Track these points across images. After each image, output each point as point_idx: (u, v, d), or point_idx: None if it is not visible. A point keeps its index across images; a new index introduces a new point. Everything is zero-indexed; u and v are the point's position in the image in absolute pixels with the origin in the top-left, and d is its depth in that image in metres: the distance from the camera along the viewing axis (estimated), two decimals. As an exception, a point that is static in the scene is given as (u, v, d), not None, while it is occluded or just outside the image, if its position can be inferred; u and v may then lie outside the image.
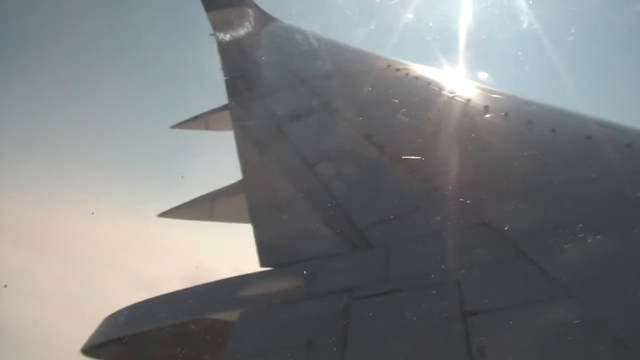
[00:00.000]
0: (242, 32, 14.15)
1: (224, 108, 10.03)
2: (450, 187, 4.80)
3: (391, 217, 4.64)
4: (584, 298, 2.97)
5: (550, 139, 5.31)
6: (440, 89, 7.35)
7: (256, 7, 14.91)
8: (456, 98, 6.86)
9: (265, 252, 4.71)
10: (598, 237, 3.57)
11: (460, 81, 7.97)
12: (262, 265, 4.49)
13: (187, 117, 10.74)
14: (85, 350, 4.34)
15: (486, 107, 6.24)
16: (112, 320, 4.54)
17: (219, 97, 10.37)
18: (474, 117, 6.21)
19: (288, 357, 3.27)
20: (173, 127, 10.81)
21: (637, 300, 2.98)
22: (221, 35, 13.90)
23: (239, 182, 6.79)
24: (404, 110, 7.16)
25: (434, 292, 3.45)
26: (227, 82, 10.86)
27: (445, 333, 3.02)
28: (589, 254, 3.46)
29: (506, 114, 6.01)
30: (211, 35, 14.13)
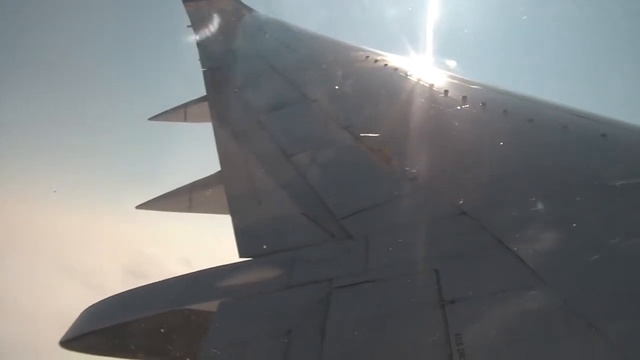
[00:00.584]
0: (219, 23, 14.11)
1: (202, 99, 9.99)
2: (428, 177, 4.83)
3: (369, 207, 4.65)
4: (561, 287, 3.00)
5: (527, 129, 5.35)
6: (419, 80, 7.38)
7: (234, -2, 14.87)
8: (434, 89, 6.89)
9: (244, 242, 4.70)
10: (575, 225, 3.61)
11: (438, 72, 8.01)
12: (241, 255, 4.49)
13: (166, 108, 10.71)
14: (64, 342, 4.33)
15: (464, 98, 6.27)
16: (91, 312, 4.52)
17: (198, 88, 10.35)
18: (451, 108, 6.24)
19: (267, 347, 3.28)
20: (151, 118, 10.76)
21: (613, 288, 3.01)
22: (198, 27, 13.84)
23: (217, 174, 6.78)
24: (382, 101, 7.18)
25: (413, 281, 3.47)
26: (205, 73, 10.82)
27: (424, 322, 3.04)
28: (566, 242, 3.49)
29: (484, 104, 6.05)
30: (189, 26, 14.07)
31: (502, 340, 2.79)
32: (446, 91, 6.62)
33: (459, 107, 6.17)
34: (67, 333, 4.37)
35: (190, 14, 14.46)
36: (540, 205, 3.97)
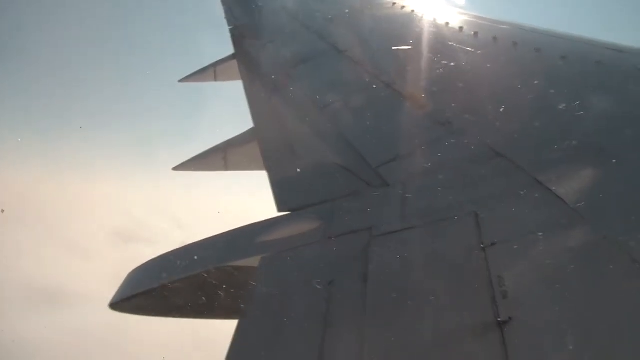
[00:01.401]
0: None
1: (231, 57, 9.97)
2: (462, 121, 4.78)
3: (404, 154, 4.64)
4: (602, 223, 2.98)
5: (561, 67, 5.25)
6: (447, 23, 7.26)
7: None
8: (463, 32, 6.78)
9: (281, 197, 4.74)
10: (614, 162, 3.56)
11: (463, 14, 7.86)
12: (279, 210, 4.53)
13: (196, 69, 10.70)
14: (113, 305, 4.44)
15: (495, 39, 6.18)
16: (137, 274, 4.63)
17: (226, 47, 10.32)
18: (482, 50, 6.15)
19: (310, 298, 3.32)
20: (182, 80, 10.77)
21: None
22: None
23: (251, 130, 6.81)
24: (412, 47, 7.09)
25: (452, 225, 3.47)
26: (231, 31, 10.76)
27: (465, 265, 3.05)
28: (605, 179, 3.45)
29: (515, 43, 5.95)
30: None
31: (544, 279, 2.79)
32: (476, 33, 6.52)
33: (489, 49, 6.08)
34: (115, 296, 4.49)
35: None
36: (576, 143, 3.92)
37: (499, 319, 2.56)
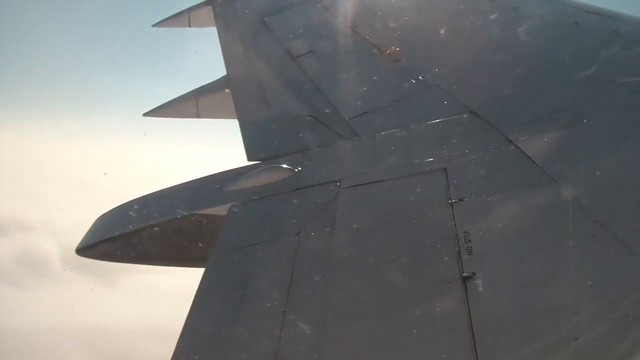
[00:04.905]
0: None
1: (206, 3, 9.79)
2: (436, 77, 4.74)
3: (377, 107, 4.61)
4: (569, 184, 2.99)
5: (537, 26, 5.19)
6: None
7: None
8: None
9: (252, 145, 4.70)
10: (586, 122, 3.55)
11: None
12: (249, 159, 4.49)
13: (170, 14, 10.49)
14: (79, 250, 4.42)
15: None
16: (104, 221, 4.60)
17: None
18: (461, 7, 6.09)
19: (277, 249, 3.32)
20: (155, 25, 10.57)
21: (619, 184, 3.01)
22: None
23: (224, 78, 6.71)
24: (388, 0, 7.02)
25: (421, 180, 3.47)
26: None
27: (432, 220, 3.06)
28: (576, 141, 3.45)
29: (492, 1, 5.88)
30: None
31: (509, 237, 2.81)
32: None
33: (469, 5, 6.03)
34: (82, 241, 4.47)
35: None
36: (550, 104, 3.90)
37: (463, 274, 2.58)
